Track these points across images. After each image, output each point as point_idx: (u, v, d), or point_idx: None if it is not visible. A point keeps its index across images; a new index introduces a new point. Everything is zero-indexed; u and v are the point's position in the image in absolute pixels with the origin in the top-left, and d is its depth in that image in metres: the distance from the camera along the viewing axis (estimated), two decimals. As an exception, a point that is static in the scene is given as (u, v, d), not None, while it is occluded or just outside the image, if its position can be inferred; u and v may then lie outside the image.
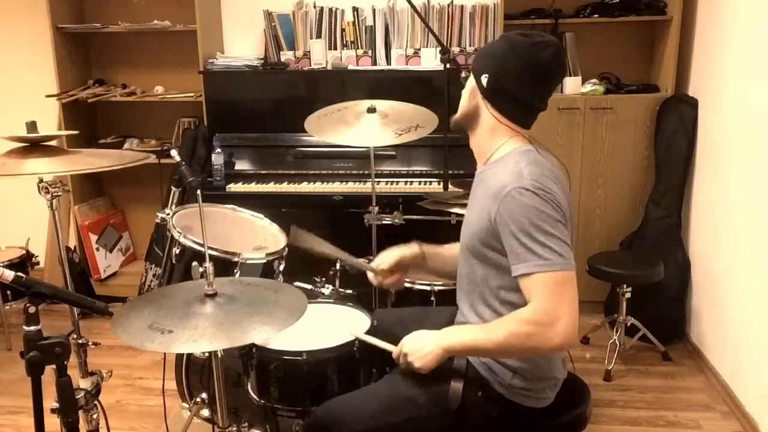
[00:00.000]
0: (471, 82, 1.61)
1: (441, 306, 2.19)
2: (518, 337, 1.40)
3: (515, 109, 1.56)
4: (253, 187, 3.33)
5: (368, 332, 1.86)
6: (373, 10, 3.57)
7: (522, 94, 1.53)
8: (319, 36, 3.61)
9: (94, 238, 3.84)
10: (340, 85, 3.47)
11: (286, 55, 3.61)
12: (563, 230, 1.42)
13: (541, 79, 1.53)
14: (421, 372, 1.53)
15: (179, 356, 2.29)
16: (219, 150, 3.37)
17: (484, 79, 1.55)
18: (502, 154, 1.56)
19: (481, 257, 1.55)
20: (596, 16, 3.38)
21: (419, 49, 3.53)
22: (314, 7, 3.63)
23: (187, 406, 2.28)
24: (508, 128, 1.57)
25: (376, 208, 2.63)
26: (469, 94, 1.61)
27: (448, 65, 2.71)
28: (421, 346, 1.52)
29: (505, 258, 1.47)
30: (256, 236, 2.35)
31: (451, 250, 1.86)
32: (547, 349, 1.40)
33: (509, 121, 1.56)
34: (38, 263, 3.48)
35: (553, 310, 1.37)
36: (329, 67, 3.56)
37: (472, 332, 1.51)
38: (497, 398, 1.56)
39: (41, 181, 1.77)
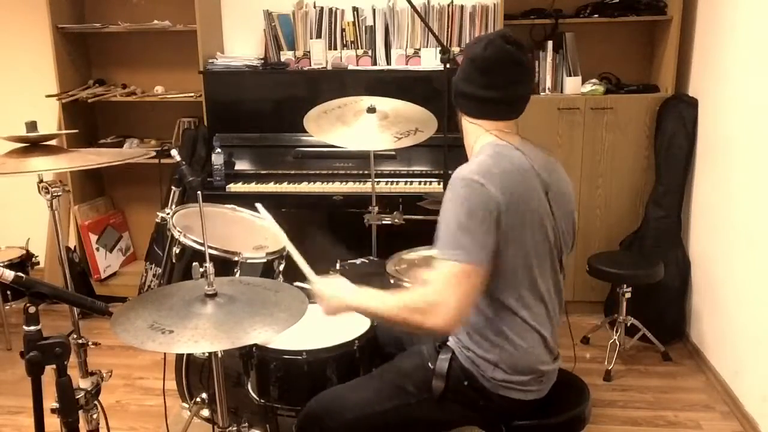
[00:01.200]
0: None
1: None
2: (406, 311, 1.47)
3: (472, 105, 1.62)
4: (253, 187, 3.33)
5: (368, 332, 1.87)
6: (373, 10, 3.57)
7: (470, 89, 1.60)
8: (319, 36, 3.61)
9: (94, 238, 3.84)
10: (340, 85, 3.47)
11: (286, 55, 3.61)
12: (479, 226, 1.46)
13: (481, 70, 1.58)
14: (325, 315, 1.64)
15: (179, 356, 2.29)
16: (219, 150, 3.37)
17: (453, 86, 1.66)
18: (477, 149, 1.62)
19: None
20: (596, 16, 3.38)
21: (419, 49, 3.53)
22: (314, 7, 3.63)
23: (187, 406, 2.28)
24: (478, 125, 1.62)
25: (376, 208, 2.63)
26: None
27: (448, 65, 2.71)
28: (331, 294, 1.62)
29: None
30: (256, 236, 2.35)
31: None
32: (425, 328, 1.46)
33: (474, 117, 1.63)
34: (38, 263, 3.48)
35: (442, 295, 1.44)
36: (329, 67, 3.56)
37: (374, 298, 1.57)
38: (482, 390, 1.59)
39: (41, 180, 1.77)
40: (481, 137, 1.61)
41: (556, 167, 1.66)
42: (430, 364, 1.63)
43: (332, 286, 1.64)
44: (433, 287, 1.46)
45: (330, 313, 1.63)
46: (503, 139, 1.58)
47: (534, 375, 1.60)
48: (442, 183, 3.13)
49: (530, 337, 1.57)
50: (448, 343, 1.64)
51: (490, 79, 1.58)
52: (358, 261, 2.45)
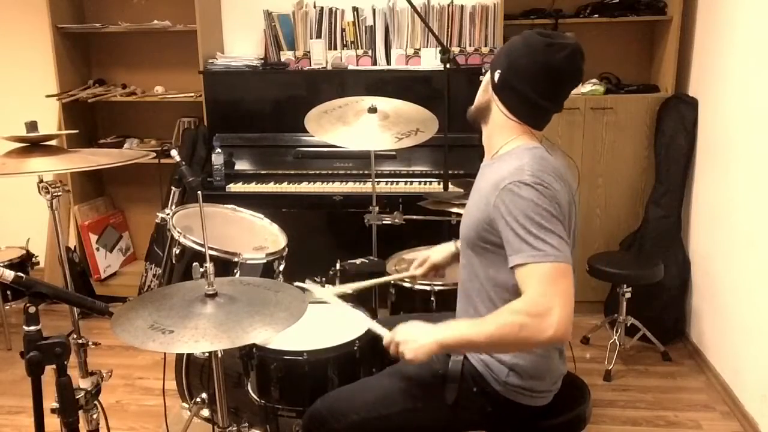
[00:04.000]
0: (487, 76, 1.62)
1: (441, 309, 2.19)
2: (511, 328, 1.36)
3: (523, 108, 1.55)
4: (253, 187, 3.33)
5: (368, 332, 1.87)
6: (373, 10, 3.57)
7: (530, 93, 1.53)
8: (319, 36, 3.61)
9: (94, 238, 3.84)
10: (340, 85, 3.47)
11: (286, 55, 3.61)
12: (558, 225, 1.41)
13: (551, 80, 1.52)
14: (410, 363, 1.51)
15: (179, 356, 2.29)
16: (219, 150, 3.37)
17: (496, 75, 1.56)
18: (508, 149, 1.57)
19: (478, 248, 1.56)
20: (596, 16, 3.39)
21: (419, 49, 3.53)
22: (314, 7, 3.63)
23: (187, 406, 2.29)
24: (517, 125, 1.57)
25: (376, 208, 2.63)
26: (484, 88, 1.63)
27: (448, 65, 2.71)
28: (414, 338, 1.49)
29: (502, 250, 1.47)
30: (256, 236, 2.35)
31: None
32: (542, 341, 1.36)
33: (517, 118, 1.56)
34: (38, 263, 3.48)
35: (545, 300, 1.35)
36: (329, 67, 3.56)
37: (465, 326, 1.48)
38: (493, 394, 1.57)
39: (41, 181, 1.77)
40: (515, 138, 1.57)
41: (573, 170, 1.66)
42: (439, 369, 1.61)
43: (410, 329, 1.53)
44: (533, 296, 1.36)
45: (421, 359, 1.47)
46: (541, 143, 1.57)
47: (548, 381, 1.59)
48: (442, 183, 3.13)
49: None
50: None
51: (555, 91, 1.54)
52: (358, 261, 2.44)
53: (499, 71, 1.55)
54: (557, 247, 1.38)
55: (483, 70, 1.66)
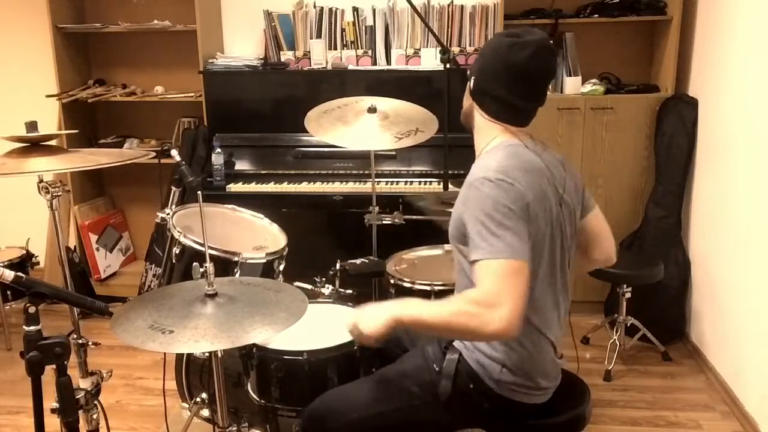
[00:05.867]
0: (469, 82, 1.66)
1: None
2: (461, 316, 1.39)
3: (498, 108, 1.59)
4: (253, 187, 3.33)
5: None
6: (373, 10, 3.57)
7: (502, 94, 1.56)
8: (319, 36, 3.61)
9: (94, 238, 3.84)
10: (340, 85, 3.47)
11: (286, 55, 3.61)
12: (519, 222, 1.43)
13: (518, 78, 1.54)
14: (369, 341, 1.53)
15: (179, 356, 2.29)
16: (219, 150, 3.37)
17: (472, 81, 1.61)
18: (488, 149, 1.60)
19: (461, 245, 1.58)
20: (596, 16, 3.39)
21: (419, 49, 3.53)
22: (314, 7, 3.63)
23: (187, 406, 2.29)
24: (496, 125, 1.60)
25: (376, 208, 2.63)
26: (466, 95, 1.67)
27: (448, 65, 2.71)
28: (370, 314, 1.53)
29: None
30: (256, 236, 2.35)
31: None
32: (487, 334, 1.38)
33: (495, 119, 1.59)
34: (38, 263, 3.48)
35: (496, 294, 1.37)
36: (329, 67, 3.56)
37: (424, 306, 1.52)
38: (488, 392, 1.58)
39: (41, 181, 1.77)
40: (496, 137, 1.60)
41: (567, 166, 1.66)
42: (435, 366, 1.62)
43: (367, 308, 1.56)
44: (485, 288, 1.39)
45: (377, 332, 1.50)
46: (520, 139, 1.58)
47: (541, 377, 1.59)
48: (442, 183, 3.13)
49: (539, 341, 1.57)
50: (455, 344, 1.63)
51: (525, 89, 1.56)
52: (358, 261, 2.44)
53: (473, 77, 1.60)
54: (512, 245, 1.40)
55: (468, 73, 1.68)
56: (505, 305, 1.35)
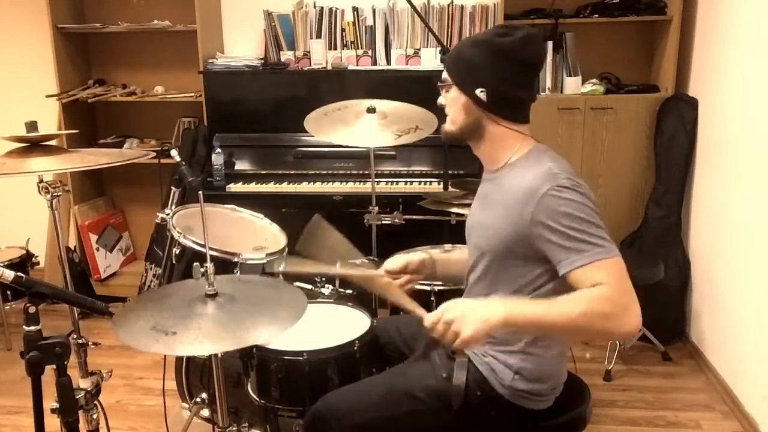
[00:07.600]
0: (459, 96, 1.55)
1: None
2: (595, 317, 1.33)
3: (519, 111, 1.55)
4: (253, 187, 3.33)
5: (368, 332, 1.87)
6: (373, 10, 3.57)
7: (522, 94, 1.54)
8: (319, 36, 3.61)
9: (94, 238, 3.84)
10: (340, 85, 3.47)
11: (286, 55, 3.61)
12: (603, 222, 1.42)
13: (533, 74, 1.56)
14: (461, 347, 1.38)
15: (179, 356, 2.29)
16: (219, 150, 3.37)
17: (481, 94, 1.51)
18: (518, 156, 1.54)
19: (503, 262, 1.52)
20: (596, 16, 3.38)
21: (419, 49, 3.53)
22: (314, 7, 3.63)
23: (187, 406, 2.29)
24: (513, 132, 1.55)
25: (376, 208, 2.63)
26: (463, 109, 1.56)
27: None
28: (473, 313, 1.36)
29: (529, 264, 1.47)
30: (256, 236, 2.35)
31: (460, 254, 1.84)
32: (621, 334, 1.34)
33: (514, 123, 1.54)
34: (38, 263, 3.48)
35: (627, 292, 1.34)
36: (329, 67, 3.56)
37: (537, 307, 1.39)
38: (497, 398, 1.56)
39: (41, 180, 1.77)
40: (521, 144, 1.54)
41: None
42: (443, 373, 1.59)
43: (464, 305, 1.40)
44: (616, 288, 1.34)
45: (480, 336, 1.35)
46: (535, 141, 1.57)
47: (552, 384, 1.59)
48: (442, 183, 3.13)
49: (560, 346, 1.57)
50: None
51: (532, 79, 1.55)
52: (358, 261, 2.44)
53: (482, 89, 1.50)
54: (612, 243, 1.40)
55: (439, 84, 1.60)
56: (634, 303, 1.35)
